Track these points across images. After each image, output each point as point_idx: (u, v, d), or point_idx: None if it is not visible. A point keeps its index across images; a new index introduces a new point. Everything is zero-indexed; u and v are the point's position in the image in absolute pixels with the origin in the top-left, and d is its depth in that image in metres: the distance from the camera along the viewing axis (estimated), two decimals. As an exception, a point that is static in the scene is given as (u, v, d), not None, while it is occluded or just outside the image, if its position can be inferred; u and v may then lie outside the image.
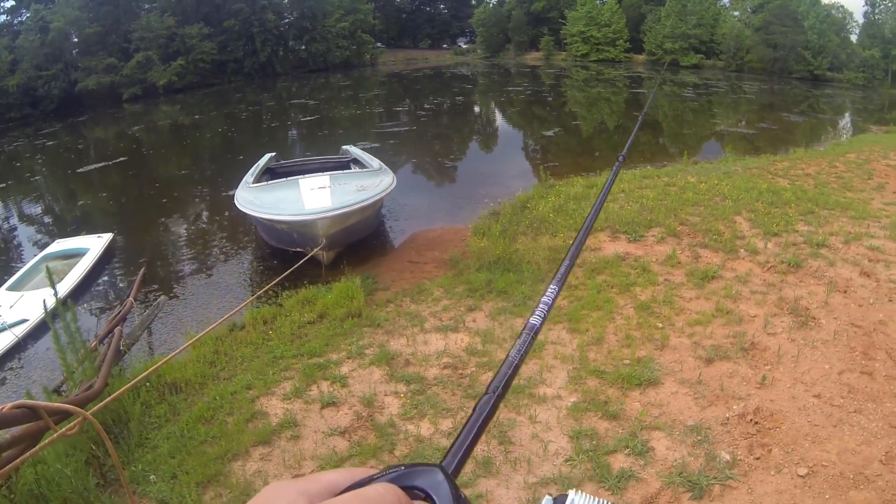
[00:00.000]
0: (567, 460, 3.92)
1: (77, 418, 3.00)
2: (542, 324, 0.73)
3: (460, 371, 5.16)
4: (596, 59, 56.99)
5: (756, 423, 4.15)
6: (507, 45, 67.69)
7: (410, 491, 0.44)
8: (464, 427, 0.58)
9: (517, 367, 0.68)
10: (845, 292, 6.23)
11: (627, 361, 5.04)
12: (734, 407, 4.35)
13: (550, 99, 35.06)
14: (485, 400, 0.62)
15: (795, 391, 4.52)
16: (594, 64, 54.97)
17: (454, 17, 76.31)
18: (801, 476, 3.66)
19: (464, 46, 75.83)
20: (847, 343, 5.21)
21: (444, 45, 77.05)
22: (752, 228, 8.23)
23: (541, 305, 0.75)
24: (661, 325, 5.71)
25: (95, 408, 3.67)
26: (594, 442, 4.06)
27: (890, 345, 5.16)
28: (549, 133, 22.43)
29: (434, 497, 0.44)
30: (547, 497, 0.47)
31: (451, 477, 0.48)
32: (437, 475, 0.46)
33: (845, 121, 28.75)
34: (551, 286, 0.80)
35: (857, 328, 5.47)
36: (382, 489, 0.42)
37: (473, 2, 76.06)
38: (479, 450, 3.92)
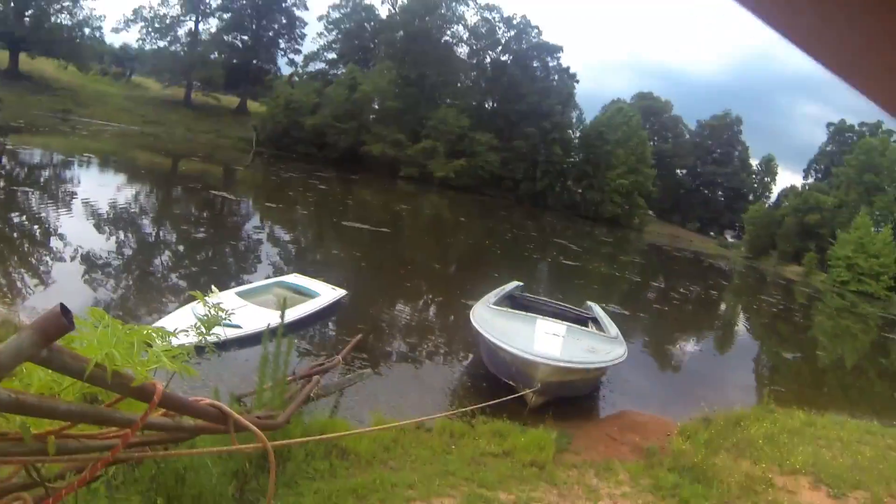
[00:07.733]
0: None
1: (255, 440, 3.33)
2: None
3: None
4: (854, 289, 52.15)
5: None
6: (770, 250, 65.69)
7: None
8: None
9: None
10: None
11: None
12: None
13: (798, 319, 33.37)
14: None
15: None
16: (851, 294, 50.65)
17: (728, 207, 76.28)
18: None
19: (730, 240, 75.32)
20: None
21: (711, 233, 76.73)
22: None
23: None
24: None
25: (273, 444, 3.98)
26: None
27: None
28: (788, 356, 21.50)
29: None
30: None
31: None
32: None
33: None
34: None
35: None
36: None
37: (751, 196, 75.49)
38: None
